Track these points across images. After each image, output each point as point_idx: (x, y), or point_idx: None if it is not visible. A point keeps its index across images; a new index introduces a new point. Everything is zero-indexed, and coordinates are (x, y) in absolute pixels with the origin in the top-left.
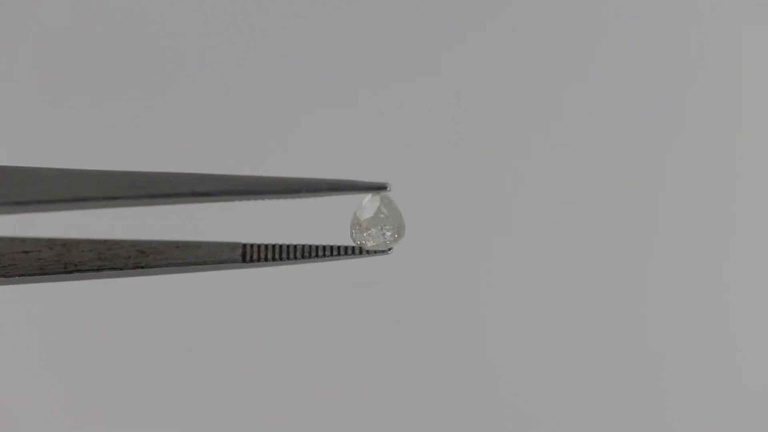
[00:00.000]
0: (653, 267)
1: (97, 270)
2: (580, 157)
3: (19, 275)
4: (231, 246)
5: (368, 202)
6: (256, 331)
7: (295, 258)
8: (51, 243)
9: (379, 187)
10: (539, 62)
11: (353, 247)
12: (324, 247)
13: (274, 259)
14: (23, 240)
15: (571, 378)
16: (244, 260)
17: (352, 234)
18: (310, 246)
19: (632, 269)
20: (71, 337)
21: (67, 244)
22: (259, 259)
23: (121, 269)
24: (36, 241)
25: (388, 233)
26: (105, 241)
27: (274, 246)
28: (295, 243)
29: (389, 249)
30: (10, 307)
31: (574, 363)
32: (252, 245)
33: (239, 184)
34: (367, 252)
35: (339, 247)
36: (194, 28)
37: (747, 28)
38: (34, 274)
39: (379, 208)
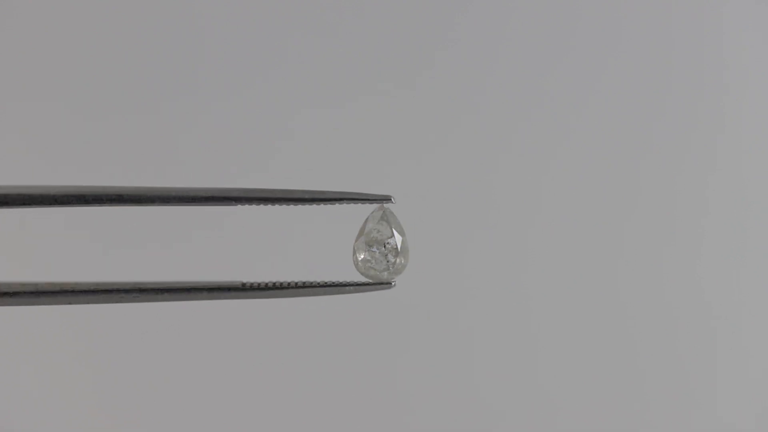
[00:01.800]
0: (651, 274)
1: (93, 293)
2: (568, 160)
3: (11, 294)
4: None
5: (371, 219)
6: (256, 349)
7: (296, 287)
8: (51, 285)
9: (383, 199)
10: (525, 65)
11: (355, 283)
12: (326, 283)
13: (274, 288)
14: (23, 283)
15: (563, 381)
16: (243, 288)
17: (354, 255)
18: (311, 282)
19: (629, 271)
20: (68, 359)
21: (65, 285)
22: (259, 288)
23: (118, 291)
24: (36, 284)
25: (391, 256)
26: (104, 283)
27: (274, 283)
28: (295, 280)
29: (392, 282)
30: (10, 324)
31: (567, 366)
32: (252, 284)
33: (245, 192)
34: (370, 285)
35: (341, 283)
36: (196, 37)
37: (723, 28)
38: (29, 293)
39: (381, 225)
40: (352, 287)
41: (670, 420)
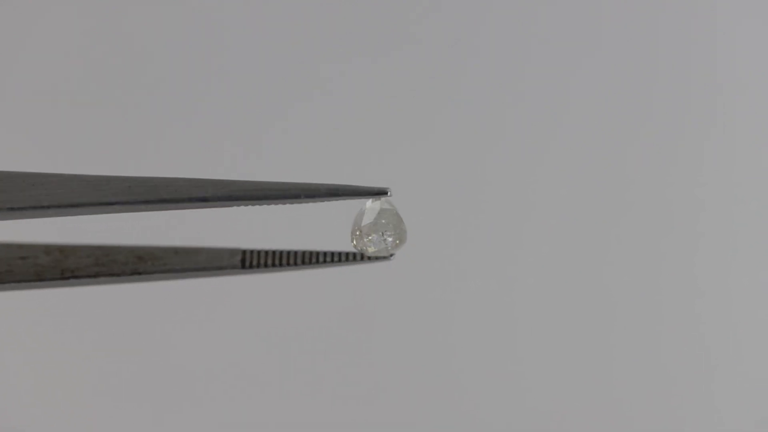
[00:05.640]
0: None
1: (95, 276)
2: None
3: (15, 281)
4: (230, 252)
5: (368, 208)
6: (256, 337)
7: (295, 264)
8: (48, 249)
9: (379, 192)
10: (515, 58)
11: (354, 253)
12: (324, 253)
13: (273, 265)
14: (20, 246)
15: (558, 383)
16: (243, 266)
17: (352, 240)
18: (311, 252)
19: (627, 271)
20: (64, 342)
21: (64, 251)
22: (258, 266)
23: (118, 275)
24: (33, 246)
25: (390, 239)
26: (102, 247)
27: (274, 252)
28: (295, 249)
29: (391, 255)
30: (7, 311)
31: (563, 368)
32: (252, 251)
33: (237, 189)
34: (368, 258)
35: (340, 253)
36: (184, 31)
37: (715, 25)
38: (30, 281)
39: (379, 214)
40: (348, 259)
41: (669, 422)
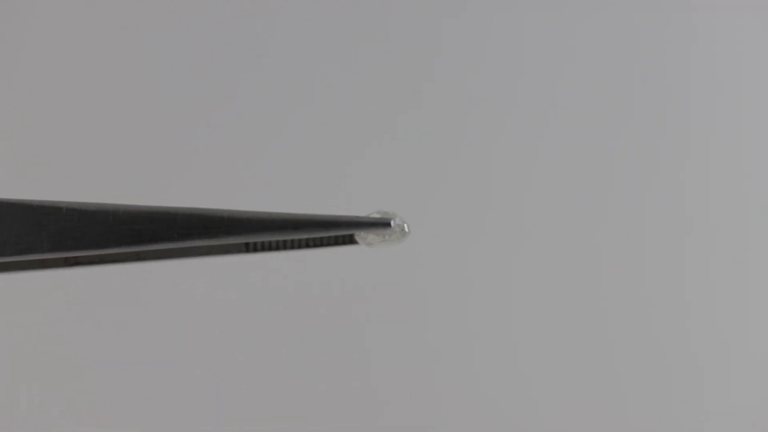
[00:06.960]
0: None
1: (98, 263)
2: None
3: (20, 269)
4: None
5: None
6: (250, 320)
7: (299, 246)
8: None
9: (384, 224)
10: (514, 61)
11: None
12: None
13: (277, 248)
14: None
15: (546, 378)
16: (247, 249)
17: (356, 238)
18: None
19: (627, 270)
20: (65, 328)
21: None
22: (262, 248)
23: (122, 261)
24: None
25: (392, 241)
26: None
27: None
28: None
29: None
30: (4, 295)
31: (551, 364)
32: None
33: (241, 223)
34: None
35: (344, 236)
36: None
37: (713, 24)
38: (34, 269)
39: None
40: (352, 241)
41: (660, 423)
